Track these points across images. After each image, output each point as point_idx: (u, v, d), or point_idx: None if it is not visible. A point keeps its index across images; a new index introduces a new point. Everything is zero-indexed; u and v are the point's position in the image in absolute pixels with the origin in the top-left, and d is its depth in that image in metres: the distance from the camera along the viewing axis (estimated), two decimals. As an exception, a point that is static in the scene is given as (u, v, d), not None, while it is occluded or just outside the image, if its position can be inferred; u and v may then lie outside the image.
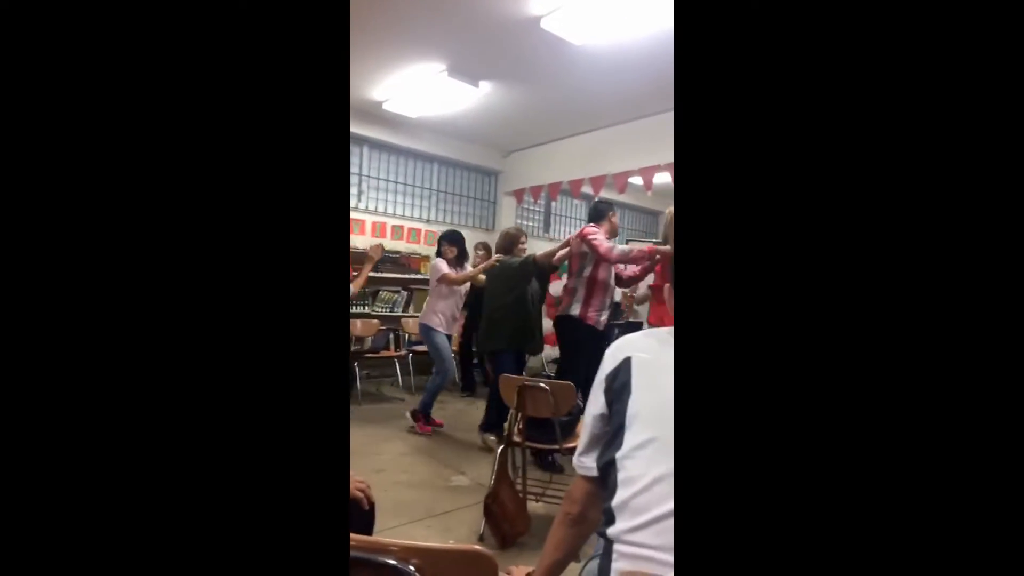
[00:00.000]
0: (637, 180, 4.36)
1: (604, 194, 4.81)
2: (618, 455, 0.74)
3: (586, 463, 0.84)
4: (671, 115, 3.77)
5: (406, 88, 3.93)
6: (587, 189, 4.75)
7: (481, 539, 1.94)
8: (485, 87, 3.84)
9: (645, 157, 4.16)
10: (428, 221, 5.28)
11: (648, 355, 0.78)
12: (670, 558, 0.66)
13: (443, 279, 3.34)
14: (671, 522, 0.67)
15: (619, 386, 0.78)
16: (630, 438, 0.73)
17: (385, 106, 4.31)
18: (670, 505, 0.67)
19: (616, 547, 0.72)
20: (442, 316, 3.38)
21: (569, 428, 2.04)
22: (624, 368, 0.78)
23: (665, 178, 4.11)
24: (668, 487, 0.68)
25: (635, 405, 0.75)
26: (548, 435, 2.03)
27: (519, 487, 2.05)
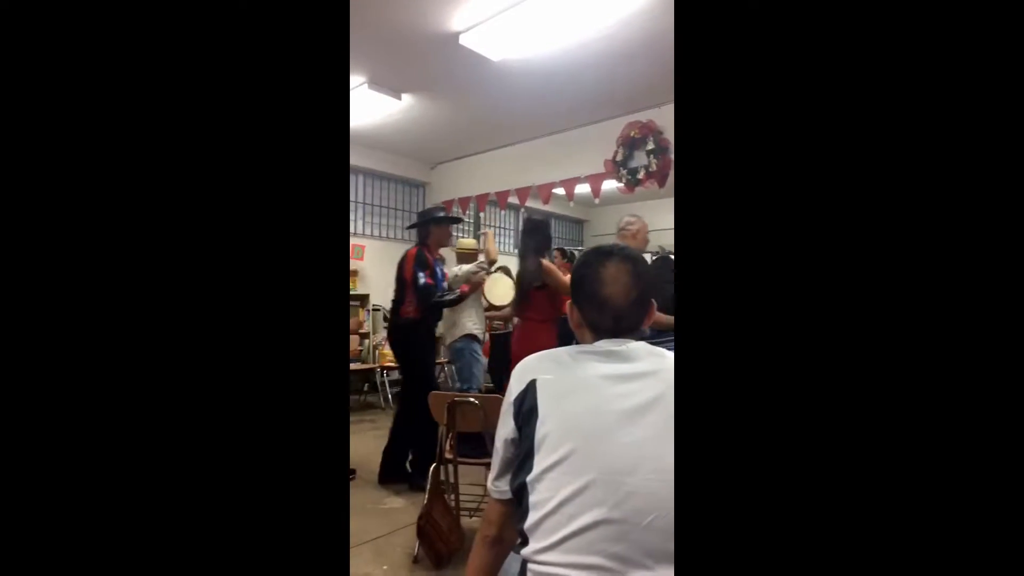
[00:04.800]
0: (560, 191, 4.48)
1: (530, 203, 4.89)
2: (528, 479, 0.76)
3: (500, 487, 0.85)
4: (586, 128, 3.88)
5: (325, 100, 3.84)
6: (513, 200, 4.82)
7: (415, 561, 1.91)
8: (408, 100, 3.82)
9: (566, 169, 4.29)
10: (355, 234, 5.16)
11: (551, 376, 0.80)
12: (577, 574, 0.69)
13: None
14: (578, 540, 0.70)
15: (527, 410, 0.79)
16: (539, 461, 0.75)
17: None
18: (576, 525, 0.70)
19: (529, 567, 0.74)
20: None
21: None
22: (531, 391, 0.80)
23: (585, 188, 4.24)
24: (574, 507, 0.71)
25: (542, 428, 0.76)
26: (479, 449, 2.04)
27: (452, 503, 2.04)
